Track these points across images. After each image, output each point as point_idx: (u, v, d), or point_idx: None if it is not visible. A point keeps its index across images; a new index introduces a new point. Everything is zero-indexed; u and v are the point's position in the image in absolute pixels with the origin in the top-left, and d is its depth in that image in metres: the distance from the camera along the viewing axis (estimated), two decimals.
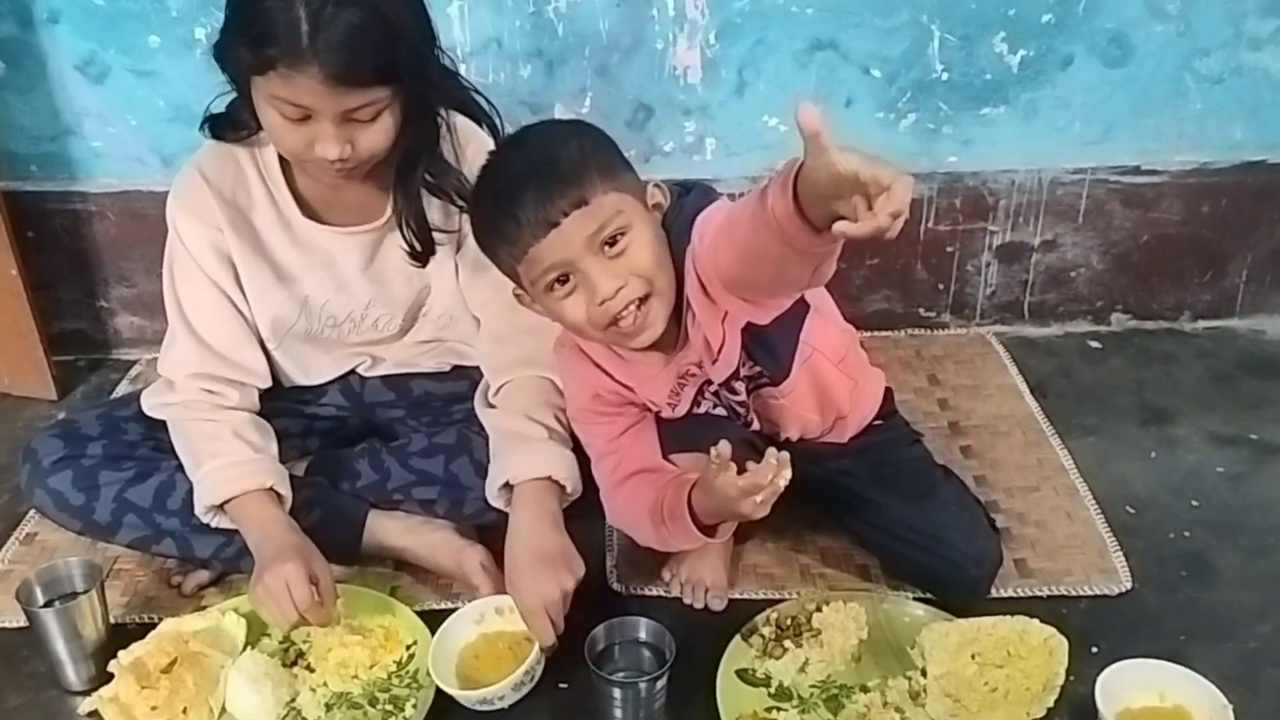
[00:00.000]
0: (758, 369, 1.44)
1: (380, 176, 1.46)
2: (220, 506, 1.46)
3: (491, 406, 1.56)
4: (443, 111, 1.47)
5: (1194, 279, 2.22)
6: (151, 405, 1.55)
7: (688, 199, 1.36)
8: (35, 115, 2.04)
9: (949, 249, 2.16)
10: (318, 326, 1.57)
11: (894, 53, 2.00)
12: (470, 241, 1.44)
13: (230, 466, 1.46)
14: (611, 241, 1.25)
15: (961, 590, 1.52)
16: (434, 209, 1.50)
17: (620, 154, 1.32)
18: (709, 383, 1.45)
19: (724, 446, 1.23)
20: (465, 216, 1.48)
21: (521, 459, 1.48)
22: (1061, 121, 2.07)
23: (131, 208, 2.09)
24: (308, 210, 1.51)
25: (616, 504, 1.49)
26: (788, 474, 1.23)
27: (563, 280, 1.27)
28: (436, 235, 1.51)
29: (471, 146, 1.48)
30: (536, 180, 1.24)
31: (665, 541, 1.45)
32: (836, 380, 1.50)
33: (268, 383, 1.58)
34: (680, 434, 1.47)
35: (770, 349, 1.42)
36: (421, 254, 1.50)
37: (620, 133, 2.04)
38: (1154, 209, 2.15)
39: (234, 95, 1.41)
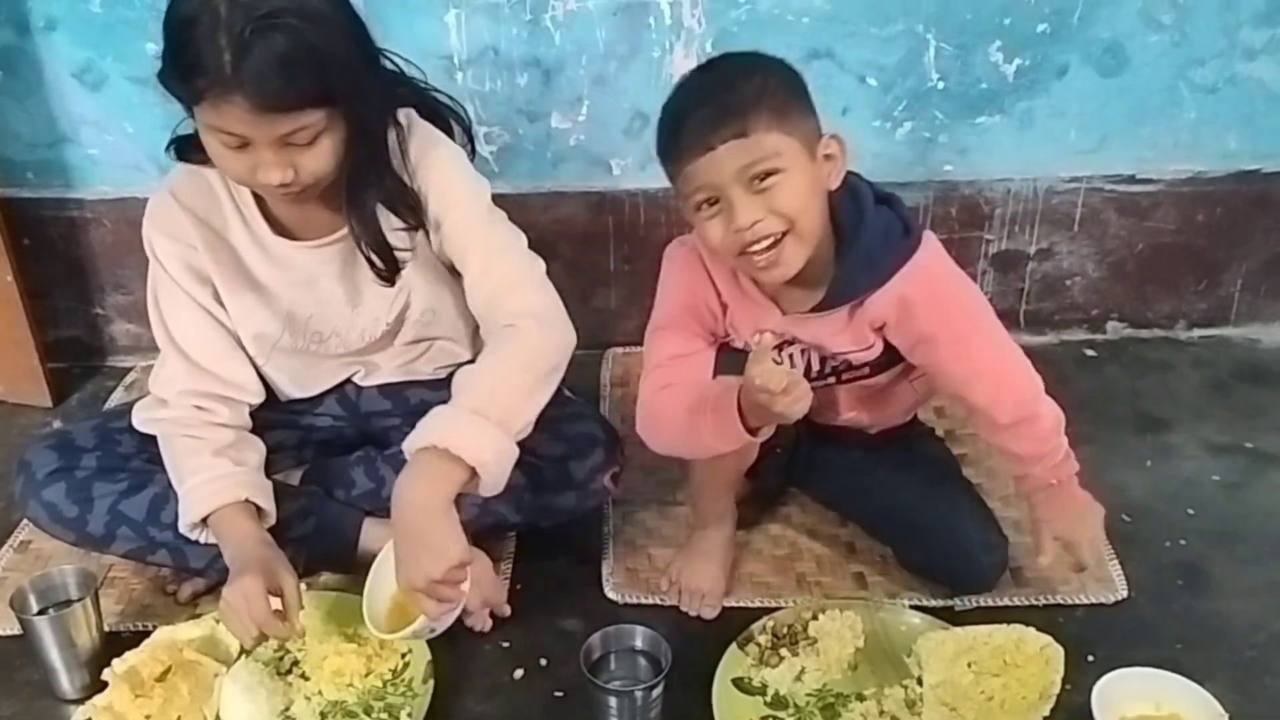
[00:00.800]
0: (867, 371, 1.50)
1: (339, 188, 1.44)
2: (205, 523, 1.46)
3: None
4: (401, 119, 1.45)
5: (1189, 288, 2.23)
6: (141, 420, 1.55)
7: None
8: (32, 122, 2.04)
9: None
10: (304, 343, 1.57)
11: (890, 62, 2.01)
12: (453, 225, 1.45)
13: (208, 483, 1.46)
14: (762, 177, 1.30)
15: (971, 577, 1.54)
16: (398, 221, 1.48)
17: (805, 100, 1.36)
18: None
19: (767, 336, 1.28)
20: (446, 209, 1.46)
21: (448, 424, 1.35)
22: (1057, 130, 2.08)
23: (128, 215, 2.09)
24: (278, 228, 1.50)
25: (654, 406, 1.47)
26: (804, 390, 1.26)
27: (711, 202, 1.33)
28: (402, 250, 1.48)
29: (429, 155, 1.45)
30: (707, 106, 1.31)
31: (697, 437, 1.40)
32: (906, 389, 1.56)
33: (259, 397, 1.57)
34: (731, 364, 1.47)
35: (888, 361, 1.49)
36: (386, 273, 1.48)
37: (617, 141, 2.07)
38: (1149, 218, 2.15)
39: None
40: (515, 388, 1.36)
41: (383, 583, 1.43)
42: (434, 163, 1.45)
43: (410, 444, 1.34)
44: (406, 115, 1.47)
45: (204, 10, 1.24)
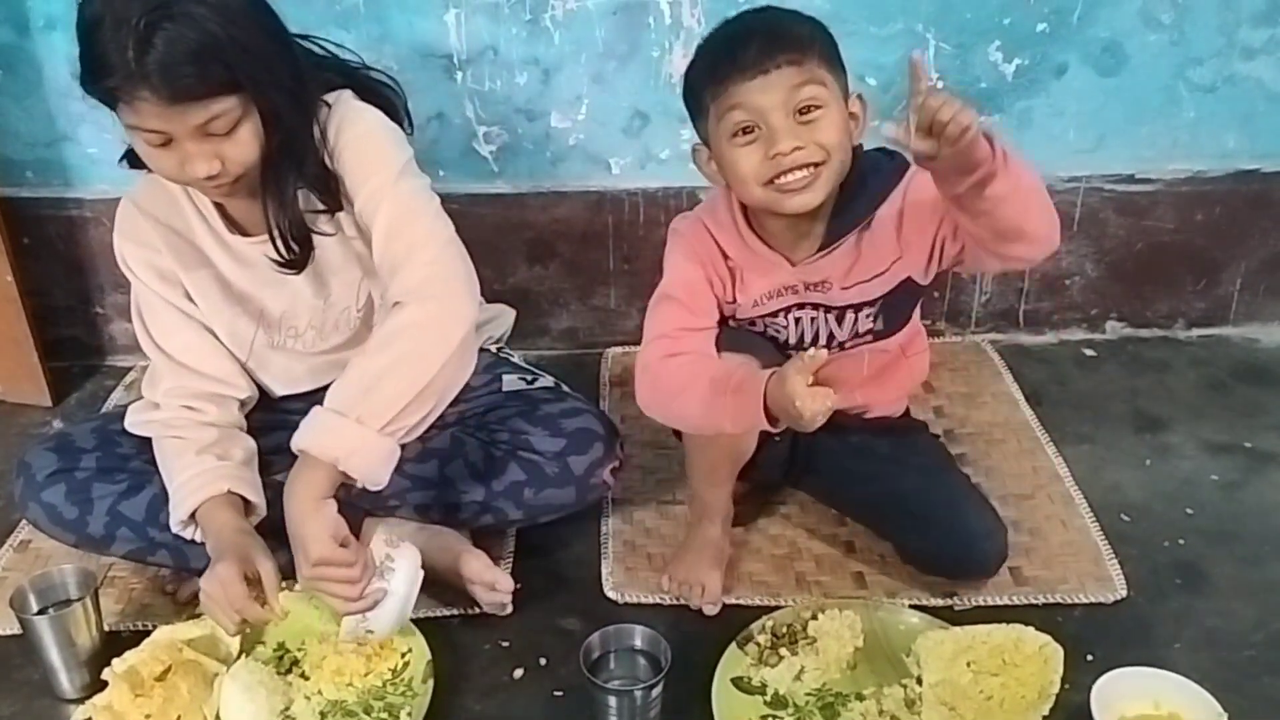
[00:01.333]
0: (873, 324, 1.53)
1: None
2: (194, 520, 1.47)
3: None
4: (330, 100, 1.45)
5: (1188, 287, 2.23)
6: (133, 422, 1.56)
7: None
8: (31, 121, 2.04)
9: None
10: (279, 338, 1.57)
11: (889, 61, 2.00)
12: (368, 196, 1.42)
13: (190, 480, 1.46)
14: (805, 110, 1.36)
15: (971, 564, 1.55)
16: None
17: (840, 56, 1.42)
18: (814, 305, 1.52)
19: (821, 353, 1.29)
20: (370, 191, 1.43)
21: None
22: (1056, 130, 2.08)
23: None
24: (235, 226, 1.51)
25: (664, 371, 1.46)
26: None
27: (747, 130, 1.37)
28: (323, 233, 1.48)
29: (345, 134, 1.43)
30: (765, 34, 1.37)
31: (712, 414, 1.40)
32: (904, 366, 1.63)
33: (247, 391, 1.57)
34: (735, 339, 1.51)
35: (893, 310, 1.54)
36: (293, 261, 1.47)
37: (616, 140, 2.07)
38: (1148, 217, 2.15)
39: None
40: (382, 382, 1.34)
41: None
42: (349, 141, 1.44)
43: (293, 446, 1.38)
44: (336, 97, 1.46)
45: (106, 9, 1.25)
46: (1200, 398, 2.06)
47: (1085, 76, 2.03)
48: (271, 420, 1.60)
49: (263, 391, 1.62)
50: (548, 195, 2.11)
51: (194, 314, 1.53)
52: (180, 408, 1.51)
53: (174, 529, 1.48)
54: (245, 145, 1.34)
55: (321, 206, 1.46)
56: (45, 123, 2.04)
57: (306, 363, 1.61)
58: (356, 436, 1.33)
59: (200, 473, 1.46)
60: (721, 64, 1.37)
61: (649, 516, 1.77)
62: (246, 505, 1.49)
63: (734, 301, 1.53)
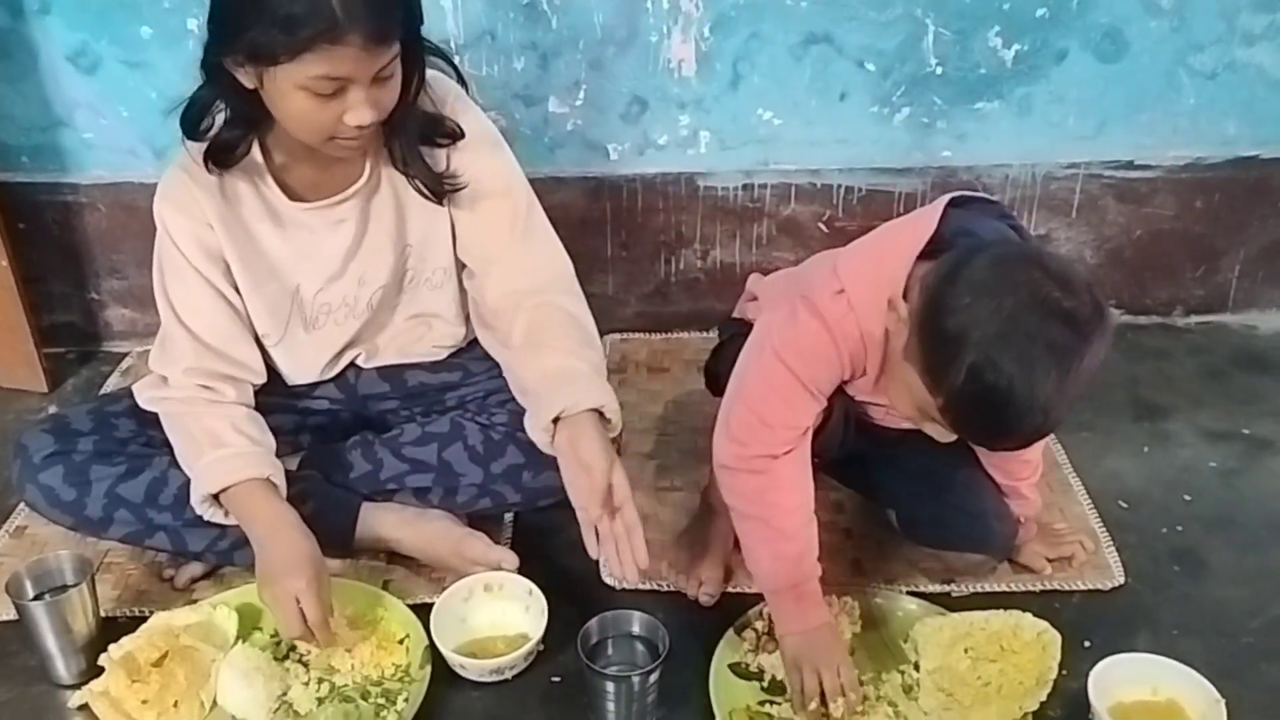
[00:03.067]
0: None
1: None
2: (216, 498, 1.45)
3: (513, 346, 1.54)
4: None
5: (1187, 274, 2.22)
6: (147, 399, 1.53)
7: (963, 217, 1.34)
8: (26, 106, 2.03)
9: None
10: (312, 313, 1.56)
11: (888, 46, 2.00)
12: (473, 178, 1.49)
13: (233, 458, 1.45)
14: None
15: (983, 538, 1.54)
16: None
17: None
18: None
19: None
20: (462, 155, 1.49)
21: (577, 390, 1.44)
22: (1055, 116, 2.07)
23: (123, 200, 2.08)
24: (292, 194, 1.49)
25: (783, 471, 1.40)
26: None
27: None
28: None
29: (451, 94, 1.49)
30: None
31: (759, 565, 1.43)
32: None
33: (263, 378, 1.57)
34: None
35: None
36: (436, 192, 1.50)
37: (614, 126, 2.06)
38: (1147, 204, 2.15)
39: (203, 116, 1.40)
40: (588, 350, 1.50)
41: (445, 623, 1.46)
42: (459, 104, 1.49)
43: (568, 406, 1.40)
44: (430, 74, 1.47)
45: None
46: (1199, 385, 2.06)
47: (1085, 62, 2.03)
48: (269, 403, 1.58)
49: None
50: (545, 181, 2.09)
51: (229, 295, 1.51)
52: (197, 386, 1.50)
53: (195, 504, 1.46)
54: (396, 89, 1.37)
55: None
56: (41, 107, 2.03)
57: (332, 346, 1.61)
58: (601, 387, 1.45)
59: (239, 453, 1.45)
60: None
61: (647, 503, 1.76)
62: None
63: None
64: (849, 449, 1.59)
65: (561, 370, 1.44)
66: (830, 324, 1.33)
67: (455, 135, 1.48)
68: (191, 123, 1.41)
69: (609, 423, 1.42)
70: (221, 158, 1.43)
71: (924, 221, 1.32)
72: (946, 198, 1.35)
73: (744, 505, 1.42)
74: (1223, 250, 2.20)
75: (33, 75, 2.00)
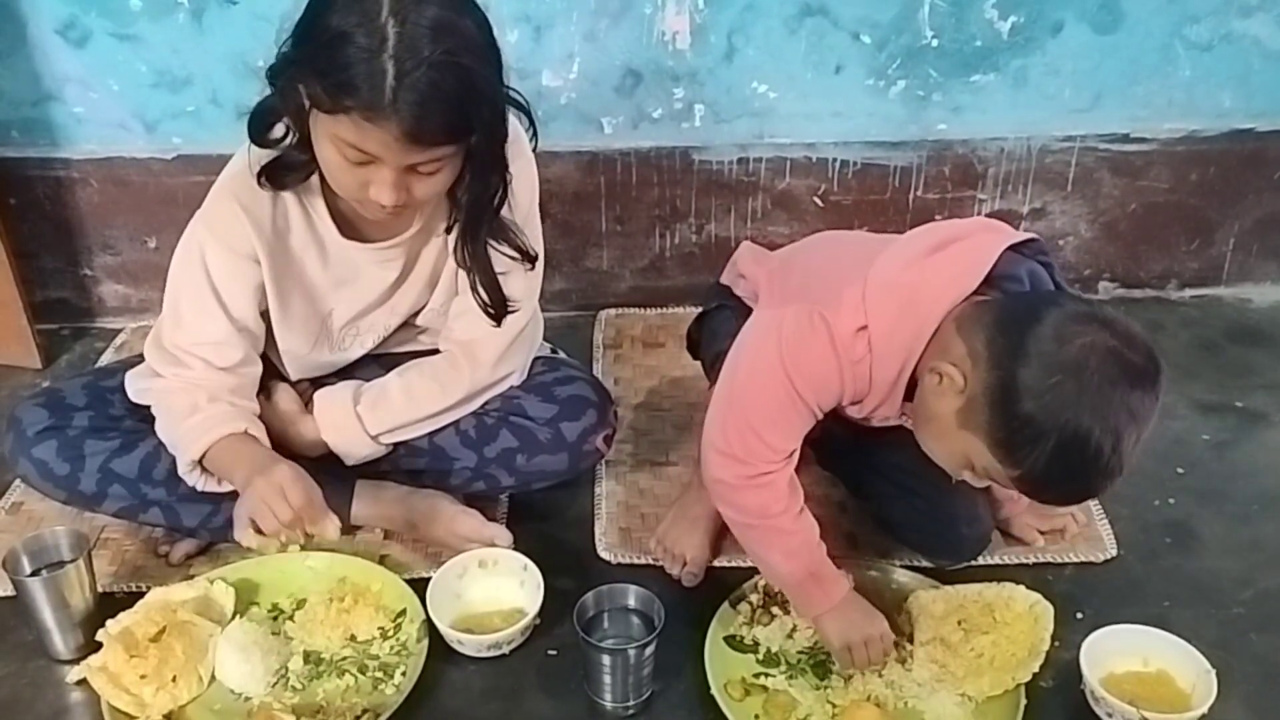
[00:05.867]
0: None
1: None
2: (202, 464, 1.44)
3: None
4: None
5: (1181, 247, 2.22)
6: (137, 390, 1.52)
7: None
8: (16, 80, 2.01)
9: (938, 217, 2.16)
10: (339, 337, 1.56)
11: (884, 18, 1.99)
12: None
13: (207, 419, 1.43)
14: None
15: (948, 545, 1.54)
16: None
17: None
18: None
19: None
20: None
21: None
22: (1051, 89, 2.07)
23: (115, 174, 2.07)
24: (344, 227, 1.46)
25: (781, 481, 1.38)
26: None
27: None
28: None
29: (517, 164, 1.44)
30: None
31: (765, 558, 1.43)
32: None
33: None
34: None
35: None
36: (495, 311, 1.49)
37: (608, 99, 2.04)
38: (1142, 177, 2.15)
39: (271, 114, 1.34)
40: (396, 402, 1.54)
41: (441, 599, 1.46)
42: (523, 185, 1.47)
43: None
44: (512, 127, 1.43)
45: (367, 29, 1.19)
46: (1192, 358, 2.06)
47: (1082, 34, 2.02)
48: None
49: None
50: (539, 155, 2.07)
51: (248, 324, 1.46)
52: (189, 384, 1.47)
53: (182, 472, 1.45)
54: (438, 184, 1.32)
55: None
56: (30, 82, 2.01)
57: (340, 362, 1.60)
58: (355, 432, 1.53)
59: (216, 414, 1.44)
60: None
61: (642, 478, 1.77)
62: None
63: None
64: (825, 437, 1.58)
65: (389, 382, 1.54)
66: (843, 358, 1.30)
67: (527, 257, 1.47)
68: (257, 128, 1.35)
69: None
70: (279, 176, 1.38)
71: (968, 267, 1.27)
72: (1000, 243, 1.30)
73: (745, 517, 1.41)
74: (1217, 223, 2.20)
75: (22, 49, 1.98)
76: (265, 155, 1.35)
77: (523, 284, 1.53)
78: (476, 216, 1.42)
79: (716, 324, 1.58)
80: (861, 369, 1.31)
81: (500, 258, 1.47)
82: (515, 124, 1.43)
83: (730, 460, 1.36)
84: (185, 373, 1.46)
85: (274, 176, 1.38)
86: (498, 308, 1.49)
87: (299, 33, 1.26)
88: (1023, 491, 1.26)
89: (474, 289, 1.48)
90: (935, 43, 2.01)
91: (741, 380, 1.37)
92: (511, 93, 1.37)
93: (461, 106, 1.24)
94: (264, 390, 1.55)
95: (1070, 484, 1.22)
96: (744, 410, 1.35)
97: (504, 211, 1.44)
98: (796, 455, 1.38)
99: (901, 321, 1.28)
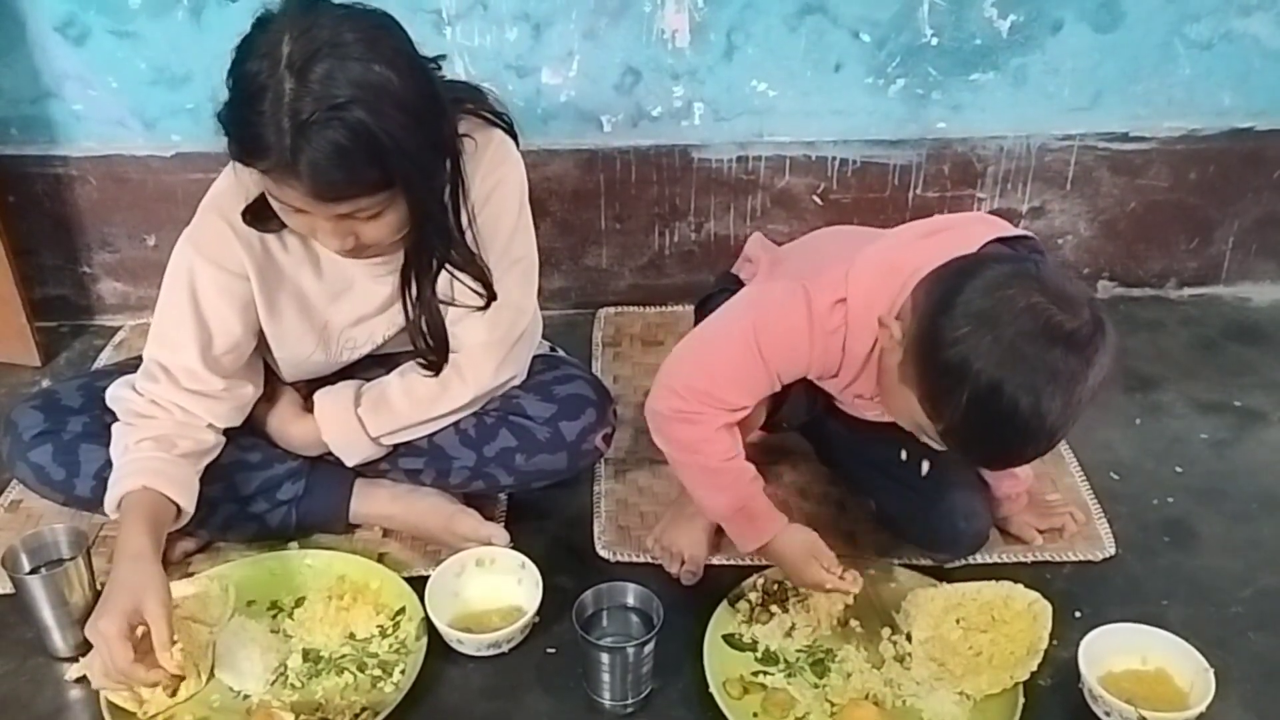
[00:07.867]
0: None
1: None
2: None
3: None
4: (476, 135, 1.41)
5: (1181, 246, 2.22)
6: (111, 396, 1.49)
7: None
8: (15, 77, 2.01)
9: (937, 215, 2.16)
10: (336, 347, 1.55)
11: (884, 17, 1.99)
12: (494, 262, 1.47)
13: (119, 468, 1.40)
14: None
15: (945, 540, 1.54)
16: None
17: None
18: None
19: (858, 583, 1.39)
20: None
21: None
22: (1051, 87, 2.06)
23: (114, 172, 2.07)
24: None
25: (713, 432, 1.39)
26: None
27: None
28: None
29: (501, 190, 1.45)
30: None
31: (704, 499, 1.46)
32: None
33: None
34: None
35: None
36: (434, 362, 1.49)
37: (608, 97, 2.04)
38: (1142, 176, 2.15)
39: None
40: (397, 406, 1.52)
41: (439, 598, 1.46)
42: (502, 202, 1.46)
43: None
44: (488, 137, 1.43)
45: (270, 85, 1.18)
46: (1191, 357, 2.06)
47: (1081, 33, 2.01)
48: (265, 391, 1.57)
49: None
50: (538, 153, 2.09)
51: (238, 342, 1.45)
52: (154, 404, 1.44)
53: (108, 510, 1.42)
54: (386, 228, 1.30)
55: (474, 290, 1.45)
56: (29, 79, 2.01)
57: (334, 369, 1.59)
58: (355, 434, 1.52)
59: (129, 462, 1.40)
60: None
61: (641, 475, 1.77)
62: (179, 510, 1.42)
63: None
64: (824, 431, 1.61)
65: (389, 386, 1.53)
66: (816, 327, 1.32)
67: (490, 293, 1.45)
68: (234, 153, 1.31)
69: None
70: (262, 222, 1.37)
71: (951, 250, 1.26)
72: (989, 234, 1.30)
73: (674, 450, 1.44)
74: (1216, 222, 2.20)
75: (21, 46, 1.98)
76: (248, 172, 1.30)
77: (520, 284, 1.52)
78: (420, 260, 1.41)
79: (717, 305, 1.58)
80: (835, 340, 1.32)
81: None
82: (496, 133, 1.44)
83: (673, 396, 1.39)
84: (152, 387, 1.44)
85: (257, 219, 1.38)
86: (439, 354, 1.48)
87: (228, 78, 1.24)
88: (950, 448, 1.24)
89: (415, 335, 1.46)
90: (935, 41, 2.01)
91: (711, 329, 1.42)
92: (485, 114, 1.41)
93: (364, 158, 1.20)
94: (264, 390, 1.55)
95: (990, 441, 1.20)
96: (707, 358, 1.39)
97: (490, 221, 1.44)
98: (740, 415, 1.39)
99: (878, 294, 1.29)
